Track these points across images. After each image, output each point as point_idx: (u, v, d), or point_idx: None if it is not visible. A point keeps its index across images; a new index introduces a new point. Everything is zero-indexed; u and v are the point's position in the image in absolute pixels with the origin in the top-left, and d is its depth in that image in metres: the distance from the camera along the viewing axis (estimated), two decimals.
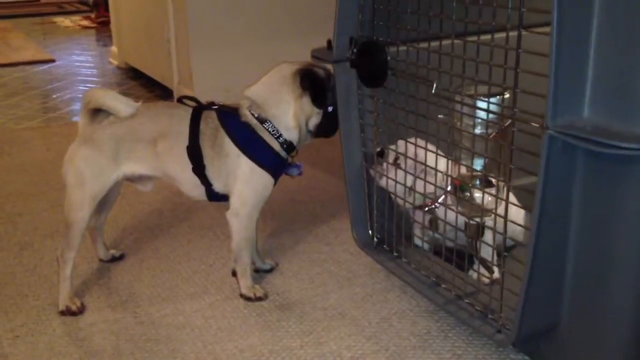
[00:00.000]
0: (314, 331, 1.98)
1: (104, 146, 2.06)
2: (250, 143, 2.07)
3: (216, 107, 2.12)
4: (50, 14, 8.30)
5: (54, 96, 4.83)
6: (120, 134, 2.07)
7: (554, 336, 1.69)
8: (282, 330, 1.99)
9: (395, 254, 2.16)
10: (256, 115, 2.08)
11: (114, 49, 5.68)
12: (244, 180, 2.07)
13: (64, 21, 7.87)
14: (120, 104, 2.08)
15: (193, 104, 2.13)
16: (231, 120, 2.09)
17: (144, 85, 4.97)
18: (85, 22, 7.70)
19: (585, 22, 1.43)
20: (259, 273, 2.29)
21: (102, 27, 7.35)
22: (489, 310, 1.80)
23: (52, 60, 5.83)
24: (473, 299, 1.86)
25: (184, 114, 2.09)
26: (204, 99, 2.18)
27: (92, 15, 7.82)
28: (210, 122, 2.08)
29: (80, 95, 4.80)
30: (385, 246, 2.20)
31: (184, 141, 2.06)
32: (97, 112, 2.08)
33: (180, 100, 2.16)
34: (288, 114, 2.07)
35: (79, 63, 5.86)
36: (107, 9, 7.05)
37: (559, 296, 1.63)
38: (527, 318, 1.62)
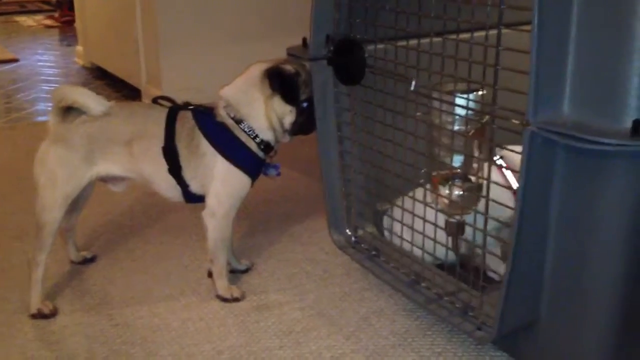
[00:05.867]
0: (292, 331, 1.97)
1: (76, 146, 2.02)
2: (227, 143, 2.05)
3: (192, 107, 2.09)
4: (12, 13, 8.14)
5: (18, 96, 4.73)
6: (94, 133, 2.03)
7: (534, 332, 1.70)
8: (260, 331, 1.97)
9: (373, 252, 2.15)
10: (232, 116, 2.05)
11: (79, 48, 5.59)
12: (220, 181, 2.05)
13: (27, 20, 7.72)
14: (92, 101, 2.04)
15: (168, 104, 2.10)
16: (207, 120, 2.06)
17: (111, 85, 4.89)
18: (49, 22, 7.57)
19: (565, 19, 1.43)
20: (234, 274, 2.26)
21: (66, 26, 7.23)
22: (469, 308, 1.80)
23: (16, 60, 5.71)
24: (453, 296, 1.86)
25: (159, 115, 2.06)
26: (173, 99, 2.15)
27: (56, 15, 7.68)
28: (186, 123, 2.05)
29: (44, 95, 4.71)
30: (363, 245, 2.19)
31: (160, 142, 2.03)
32: (68, 111, 2.04)
33: (155, 100, 2.12)
34: (261, 115, 2.05)
35: (43, 63, 5.75)
36: (70, 8, 6.95)
37: (538, 292, 1.63)
38: (507, 315, 1.63)
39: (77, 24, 5.57)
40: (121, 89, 4.73)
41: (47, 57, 5.97)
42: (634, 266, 1.51)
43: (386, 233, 2.18)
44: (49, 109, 4.41)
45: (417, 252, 1.98)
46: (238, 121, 2.05)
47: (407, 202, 1.98)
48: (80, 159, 2.03)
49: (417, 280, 1.97)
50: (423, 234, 1.91)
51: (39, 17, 7.86)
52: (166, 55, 4.13)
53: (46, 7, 8.34)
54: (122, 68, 4.77)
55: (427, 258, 1.96)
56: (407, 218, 1.99)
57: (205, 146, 2.04)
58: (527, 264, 1.59)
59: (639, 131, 1.36)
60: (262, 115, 2.05)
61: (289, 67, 2.07)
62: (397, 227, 2.08)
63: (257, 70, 2.08)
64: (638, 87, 1.38)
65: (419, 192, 1.97)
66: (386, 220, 2.19)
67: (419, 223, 1.93)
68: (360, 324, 2.00)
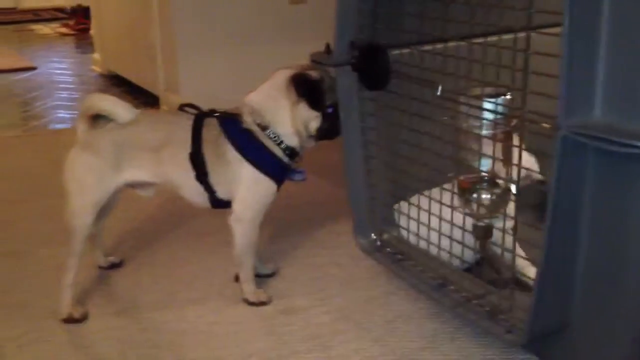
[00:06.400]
0: (320, 335, 1.98)
1: (105, 152, 2.04)
2: (252, 150, 2.07)
3: (218, 114, 2.11)
4: (27, 22, 8.21)
5: (37, 104, 4.78)
6: (122, 140, 2.05)
7: (564, 336, 1.70)
8: (287, 334, 1.98)
9: (399, 256, 2.16)
10: (257, 122, 2.07)
11: (96, 55, 5.63)
12: (246, 187, 2.07)
13: (42, 29, 7.79)
14: (120, 109, 2.07)
15: (194, 111, 2.12)
16: (233, 127, 2.08)
17: (129, 92, 4.92)
18: (64, 30, 7.63)
19: (596, 22, 1.44)
20: (260, 278, 2.27)
21: (81, 34, 7.29)
22: (497, 311, 1.81)
23: (33, 68, 5.76)
24: (482, 299, 1.86)
25: (186, 122, 2.08)
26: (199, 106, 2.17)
27: (71, 23, 7.75)
28: (212, 129, 2.07)
29: (62, 103, 4.75)
30: (388, 249, 2.20)
31: (187, 148, 2.05)
32: (96, 118, 2.07)
33: (181, 108, 2.15)
34: (286, 121, 2.07)
35: (60, 71, 5.80)
36: (85, 16, 7.01)
37: (570, 296, 1.64)
38: (538, 318, 1.63)
39: (94, 32, 5.62)
40: (139, 96, 4.76)
41: (63, 65, 6.02)
42: None
43: (403, 232, 2.18)
44: (68, 116, 4.49)
45: (435, 252, 1.99)
46: (264, 127, 2.07)
47: (429, 204, 1.99)
48: (108, 166, 2.05)
49: (444, 283, 1.98)
50: (451, 237, 1.93)
51: (54, 25, 7.93)
52: (184, 62, 4.16)
53: (61, 15, 8.41)
54: (139, 75, 4.81)
55: (453, 260, 1.97)
56: (424, 217, 2.01)
57: (232, 153, 2.06)
58: (558, 267, 1.59)
59: None
60: (288, 121, 2.07)
61: (314, 73, 2.09)
62: (415, 227, 2.09)
63: (282, 76, 2.09)
64: None
65: (435, 193, 1.98)
66: (404, 220, 2.18)
67: (435, 221, 1.95)
68: (386, 327, 2.01)
